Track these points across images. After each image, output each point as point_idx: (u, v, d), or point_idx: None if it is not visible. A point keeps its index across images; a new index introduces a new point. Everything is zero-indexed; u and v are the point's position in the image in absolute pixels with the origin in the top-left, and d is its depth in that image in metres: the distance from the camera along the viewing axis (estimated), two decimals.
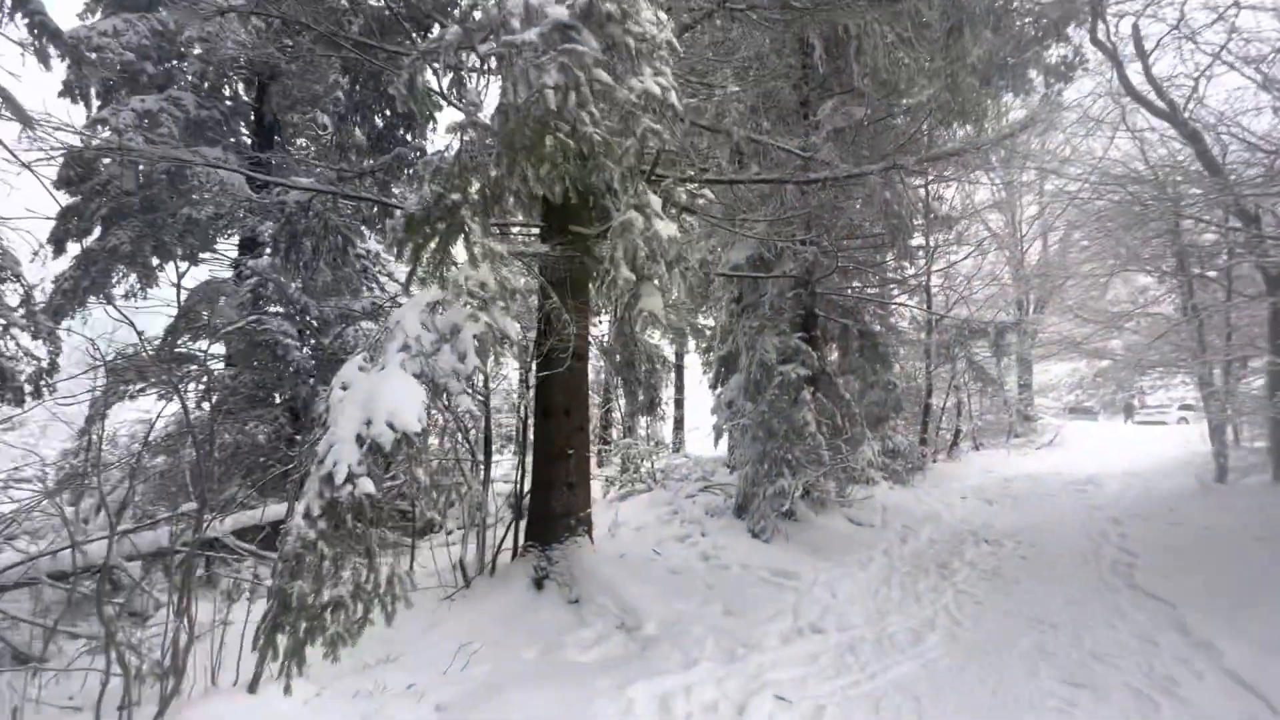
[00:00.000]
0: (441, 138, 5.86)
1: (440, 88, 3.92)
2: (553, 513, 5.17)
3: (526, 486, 5.70)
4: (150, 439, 8.34)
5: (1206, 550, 5.93)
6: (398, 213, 5.55)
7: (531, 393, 5.76)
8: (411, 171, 5.94)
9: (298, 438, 8.07)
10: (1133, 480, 10.55)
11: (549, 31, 2.39)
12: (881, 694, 3.53)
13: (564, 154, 2.22)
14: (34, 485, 4.61)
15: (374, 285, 8.23)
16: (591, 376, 11.94)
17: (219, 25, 8.28)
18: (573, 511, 5.21)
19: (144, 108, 8.15)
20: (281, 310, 7.89)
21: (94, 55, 7.96)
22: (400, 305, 2.12)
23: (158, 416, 5.83)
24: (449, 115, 9.57)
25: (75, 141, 7.07)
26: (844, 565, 6.10)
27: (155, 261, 8.93)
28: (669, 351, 16.52)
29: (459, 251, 2.46)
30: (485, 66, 2.99)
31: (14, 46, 5.63)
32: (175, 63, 9.08)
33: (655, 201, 2.24)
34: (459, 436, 6.25)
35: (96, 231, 8.71)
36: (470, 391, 6.60)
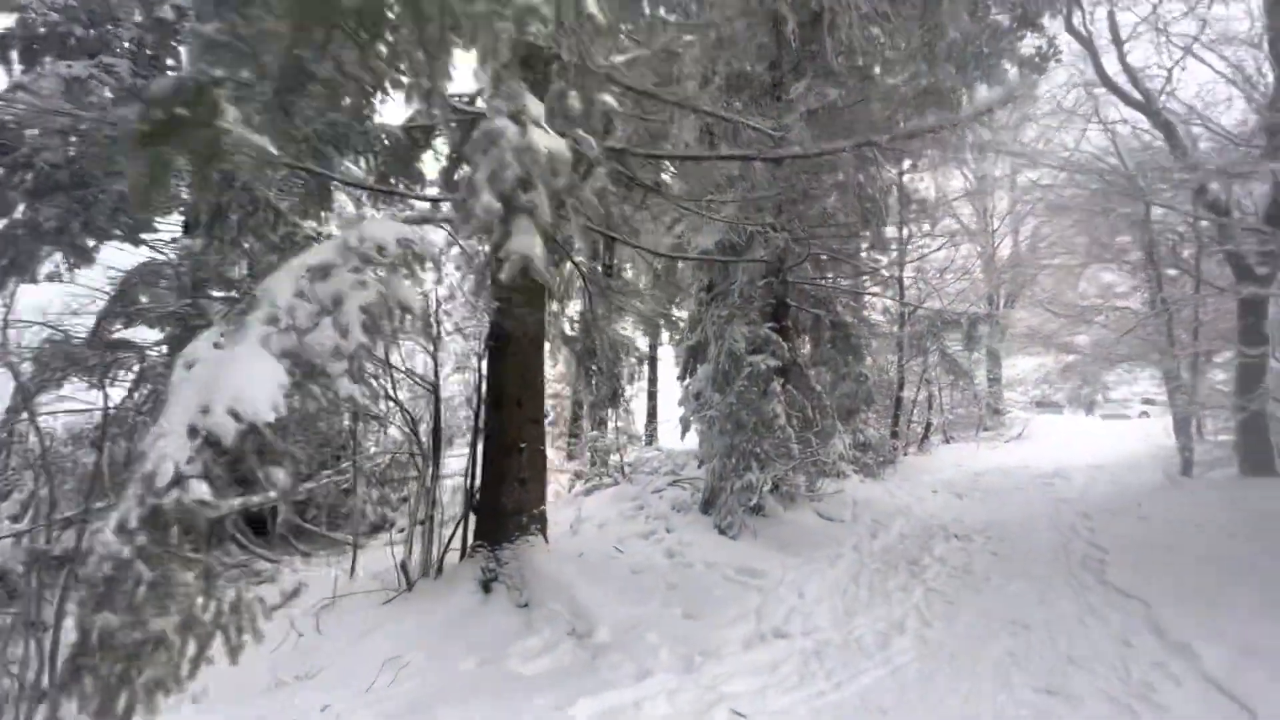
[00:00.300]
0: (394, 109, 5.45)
1: None
2: (503, 510, 4.83)
3: (479, 482, 5.34)
4: (81, 432, 7.77)
5: (1176, 546, 5.83)
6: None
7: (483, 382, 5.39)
8: (361, 147, 5.50)
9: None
10: (1099, 474, 10.57)
11: None
12: (846, 707, 3.27)
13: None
14: None
15: None
16: (562, 367, 11.60)
17: None
18: (525, 508, 4.88)
19: (71, 73, 7.51)
20: (222, 294, 7.39)
21: (14, 14, 7.31)
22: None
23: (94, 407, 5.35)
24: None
25: None
26: (813, 562, 5.87)
27: (91, 243, 8.31)
28: (642, 342, 16.22)
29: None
30: None
31: None
32: (110, 27, 8.44)
33: (535, 106, 1.88)
34: (408, 430, 5.87)
35: (20, 208, 8.06)
36: (407, 376, 6.22)
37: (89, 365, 7.12)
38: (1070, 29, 8.61)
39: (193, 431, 1.56)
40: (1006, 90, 5.17)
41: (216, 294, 7.53)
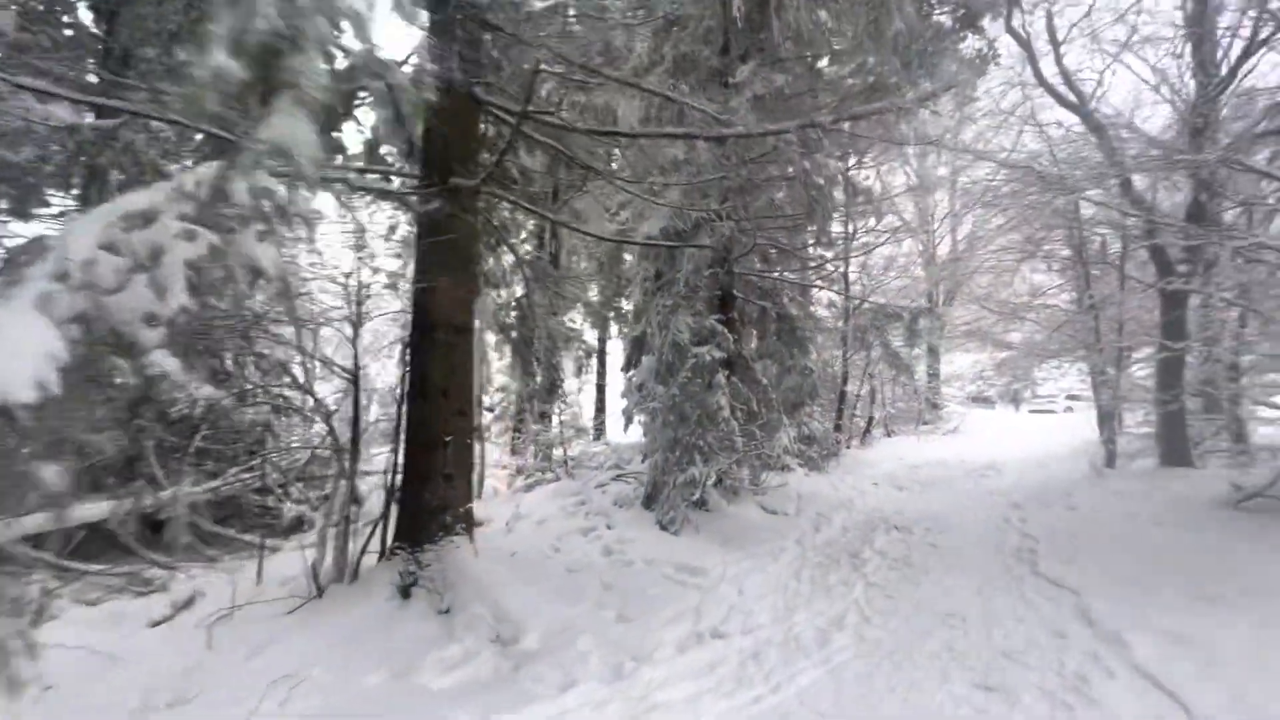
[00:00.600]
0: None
1: None
2: (426, 508, 4.47)
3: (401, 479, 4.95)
4: None
5: (1103, 535, 5.97)
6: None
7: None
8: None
9: (147, 424, 6.89)
10: (1029, 466, 10.93)
11: None
12: (784, 710, 3.10)
13: None
14: None
15: None
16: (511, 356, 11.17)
17: None
18: (451, 506, 4.53)
19: None
20: None
21: None
22: None
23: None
24: None
25: None
26: (755, 557, 5.73)
27: None
28: (591, 335, 15.91)
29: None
30: None
31: None
32: None
33: None
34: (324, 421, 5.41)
35: None
36: (320, 362, 5.75)
37: None
38: (1010, 29, 8.77)
39: None
40: (951, 75, 5.08)
41: None
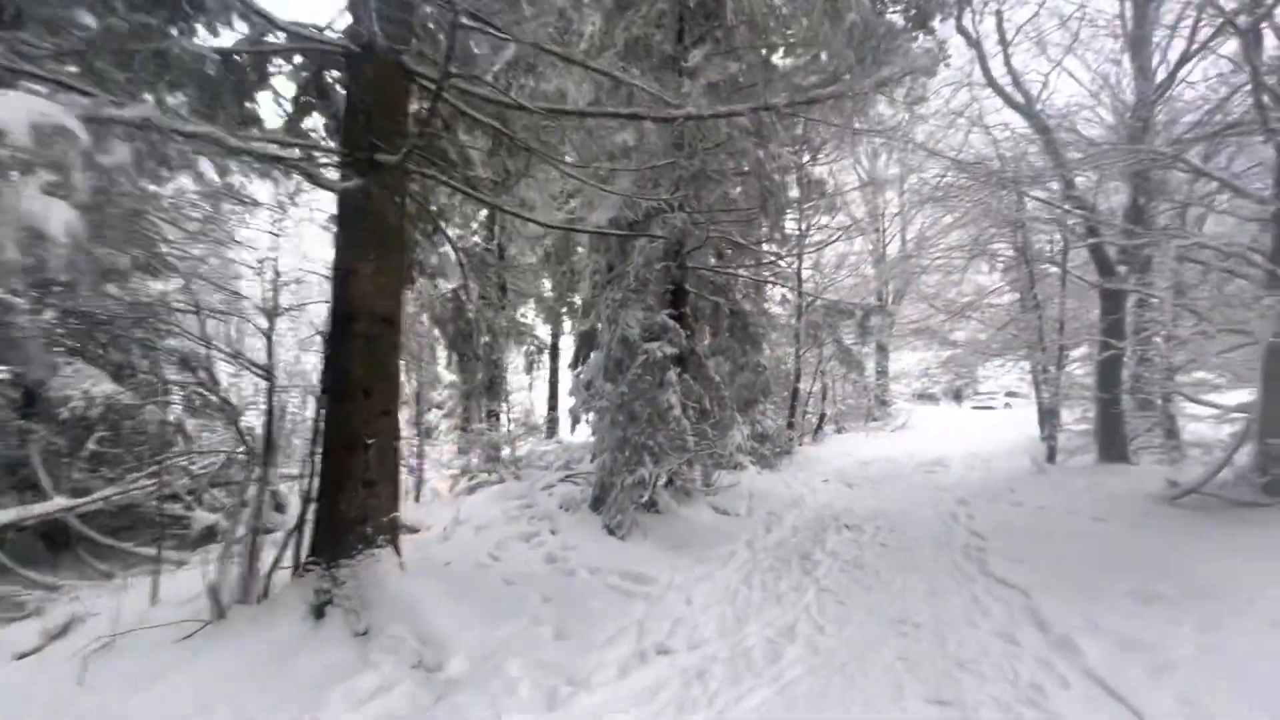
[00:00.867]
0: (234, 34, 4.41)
1: None
2: (344, 518, 4.05)
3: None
4: None
5: (1049, 531, 6.00)
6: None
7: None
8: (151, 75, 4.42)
9: (32, 426, 6.18)
10: (974, 461, 11.13)
11: None
12: None
13: None
14: None
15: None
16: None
17: None
18: (372, 516, 4.12)
19: None
20: None
21: None
22: None
23: None
24: None
25: None
26: (705, 562, 5.51)
27: None
28: (543, 331, 15.49)
29: None
30: None
31: None
32: None
33: None
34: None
35: None
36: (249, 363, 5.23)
37: None
38: (961, 29, 8.82)
39: None
40: (907, 63, 4.95)
41: None
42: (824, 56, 7.93)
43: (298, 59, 5.04)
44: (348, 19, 4.54)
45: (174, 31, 4.22)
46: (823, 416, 15.46)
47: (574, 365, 7.73)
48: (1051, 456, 9.72)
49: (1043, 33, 9.27)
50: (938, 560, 5.56)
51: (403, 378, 5.59)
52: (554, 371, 16.10)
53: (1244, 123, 5.73)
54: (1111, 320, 8.12)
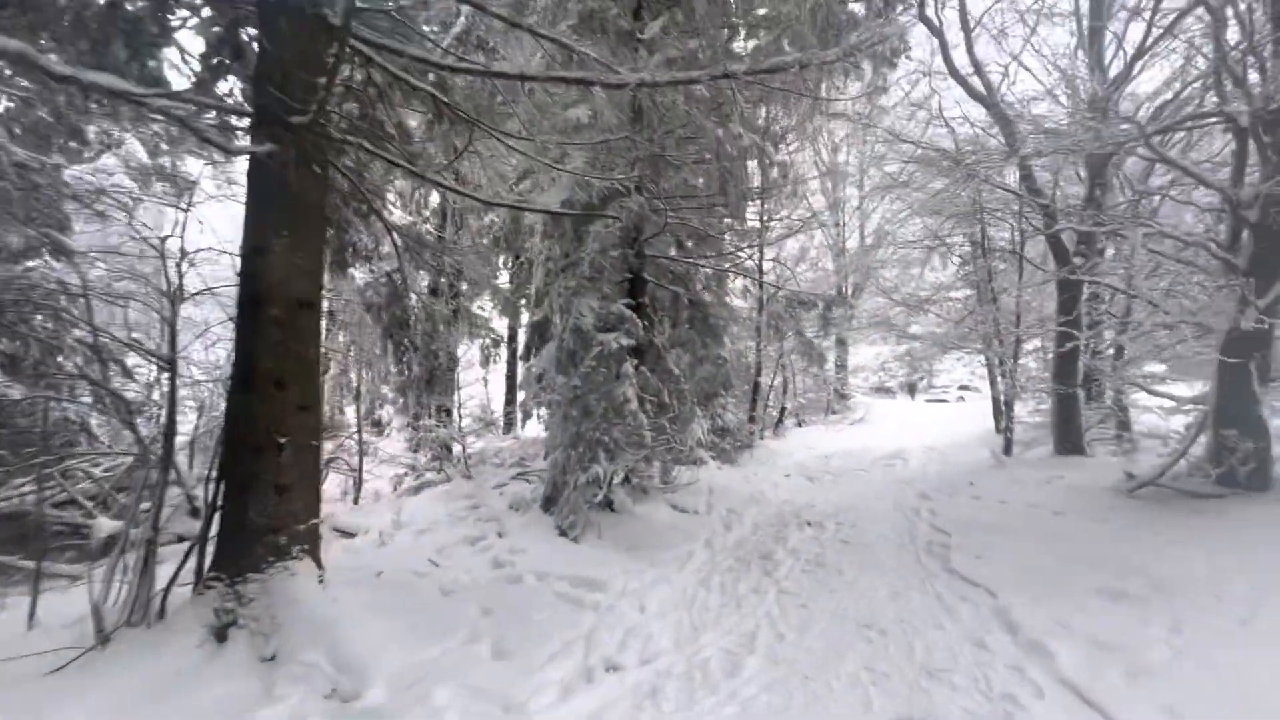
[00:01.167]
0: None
1: None
2: (251, 527, 3.58)
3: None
4: None
5: (1011, 526, 5.90)
6: None
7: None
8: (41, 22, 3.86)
9: None
10: (933, 454, 11.13)
11: None
12: None
13: None
14: None
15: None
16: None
17: None
18: (285, 525, 3.65)
19: None
20: None
21: None
22: None
23: None
24: None
25: None
26: (660, 565, 5.20)
27: None
28: (500, 324, 14.95)
29: None
30: None
31: None
32: None
33: None
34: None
35: None
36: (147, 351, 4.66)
37: None
38: (923, 17, 8.69)
39: None
40: (872, 34, 4.71)
41: None
42: (786, 45, 7.72)
43: (206, 11, 4.49)
44: None
45: None
46: (783, 410, 15.37)
47: (525, 357, 7.32)
48: (1008, 449, 9.77)
49: (1005, 25, 9.25)
50: (901, 558, 5.38)
51: (347, 372, 5.09)
52: (511, 365, 15.59)
53: (1205, 113, 5.71)
54: (1070, 312, 8.14)
